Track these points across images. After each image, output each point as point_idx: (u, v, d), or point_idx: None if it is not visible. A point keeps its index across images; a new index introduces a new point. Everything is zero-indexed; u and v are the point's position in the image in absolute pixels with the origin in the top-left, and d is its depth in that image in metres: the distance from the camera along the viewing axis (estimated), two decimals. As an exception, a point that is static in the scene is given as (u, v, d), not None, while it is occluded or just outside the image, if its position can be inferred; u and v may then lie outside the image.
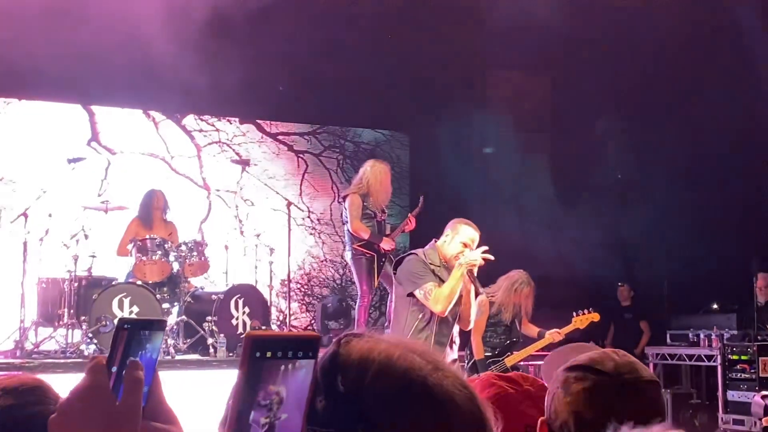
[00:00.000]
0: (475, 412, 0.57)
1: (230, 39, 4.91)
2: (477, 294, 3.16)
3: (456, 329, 3.19)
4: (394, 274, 3.27)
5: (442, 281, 3.12)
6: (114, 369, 0.55)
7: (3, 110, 5.19)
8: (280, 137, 5.90)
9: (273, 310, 4.91)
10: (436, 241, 3.20)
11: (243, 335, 0.68)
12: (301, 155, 5.87)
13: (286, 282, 5.03)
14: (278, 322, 5.26)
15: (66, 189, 5.03)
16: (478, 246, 3.07)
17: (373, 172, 4.35)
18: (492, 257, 3.02)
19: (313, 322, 5.67)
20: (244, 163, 5.49)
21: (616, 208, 6.06)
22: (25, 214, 4.37)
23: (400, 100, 5.79)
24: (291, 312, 5.23)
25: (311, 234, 5.66)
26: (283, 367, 0.48)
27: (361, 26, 5.39)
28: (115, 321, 3.77)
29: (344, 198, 4.47)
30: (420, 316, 3.09)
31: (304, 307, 5.62)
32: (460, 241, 3.14)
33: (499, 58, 5.79)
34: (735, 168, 5.88)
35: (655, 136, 6.00)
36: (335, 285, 5.88)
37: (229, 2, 4.72)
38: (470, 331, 3.67)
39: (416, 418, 0.55)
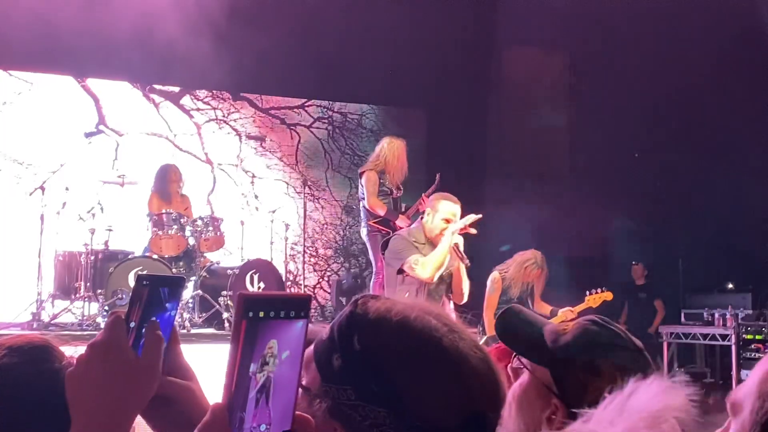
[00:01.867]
0: (488, 374, 0.58)
1: (230, 17, 4.86)
2: (467, 267, 3.19)
3: (451, 306, 3.22)
4: (382, 255, 3.43)
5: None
6: (132, 325, 0.55)
7: (21, 86, 5.35)
8: (272, 111, 6.14)
9: (284, 270, 5.09)
10: (422, 219, 3.26)
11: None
12: (293, 128, 6.13)
13: (295, 244, 5.35)
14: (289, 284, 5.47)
15: (83, 163, 5.18)
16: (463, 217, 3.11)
17: (390, 149, 4.38)
18: (479, 216, 3.05)
19: (320, 281, 6.11)
20: (260, 139, 5.70)
21: (631, 186, 6.04)
22: (42, 188, 4.47)
23: (417, 76, 5.79)
24: (299, 273, 5.64)
25: (310, 200, 5.97)
26: (276, 326, 0.48)
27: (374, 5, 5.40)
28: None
29: (361, 174, 4.48)
30: (406, 295, 3.12)
31: (310, 267, 5.99)
32: (442, 218, 3.19)
33: (517, 35, 5.76)
34: (754, 148, 5.80)
35: (673, 115, 6.00)
36: (337, 246, 6.32)
37: None
38: (469, 305, 3.64)
39: (431, 377, 0.55)
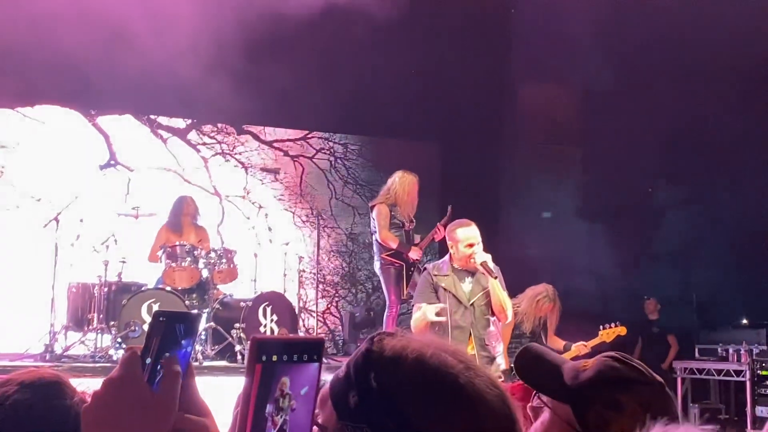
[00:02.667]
0: (505, 411, 0.57)
1: (234, 53, 4.94)
2: (495, 277, 3.25)
3: (492, 330, 3.32)
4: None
5: (445, 289, 3.29)
6: (148, 361, 0.56)
7: (34, 124, 5.59)
8: (275, 144, 6.43)
9: (297, 300, 5.12)
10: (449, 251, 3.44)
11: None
12: (296, 159, 6.39)
13: (303, 271, 5.41)
14: (304, 329, 5.47)
15: (96, 196, 5.31)
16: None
17: (401, 183, 4.45)
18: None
19: (329, 306, 6.37)
20: (275, 171, 5.88)
21: (646, 221, 6.10)
22: (56, 219, 4.48)
23: (430, 110, 5.98)
24: (309, 298, 5.84)
25: (314, 229, 6.09)
26: (290, 368, 0.49)
27: (388, 37, 5.47)
28: (144, 326, 4.03)
29: (372, 208, 4.54)
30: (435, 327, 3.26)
31: (320, 294, 6.12)
32: (465, 245, 3.29)
33: (530, 71, 5.90)
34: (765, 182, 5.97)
35: (688, 148, 6.06)
36: (344, 272, 6.57)
37: (232, 16, 4.79)
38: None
39: (447, 415, 0.55)
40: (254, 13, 4.75)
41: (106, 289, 4.42)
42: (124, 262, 4.56)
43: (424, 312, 3.30)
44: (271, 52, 5.24)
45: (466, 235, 3.31)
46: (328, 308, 6.50)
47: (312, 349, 0.52)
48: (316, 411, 0.57)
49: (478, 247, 3.28)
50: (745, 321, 5.84)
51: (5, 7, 4.79)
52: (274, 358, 0.49)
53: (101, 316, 4.38)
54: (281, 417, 0.50)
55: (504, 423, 0.57)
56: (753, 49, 5.28)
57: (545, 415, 0.96)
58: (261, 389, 0.49)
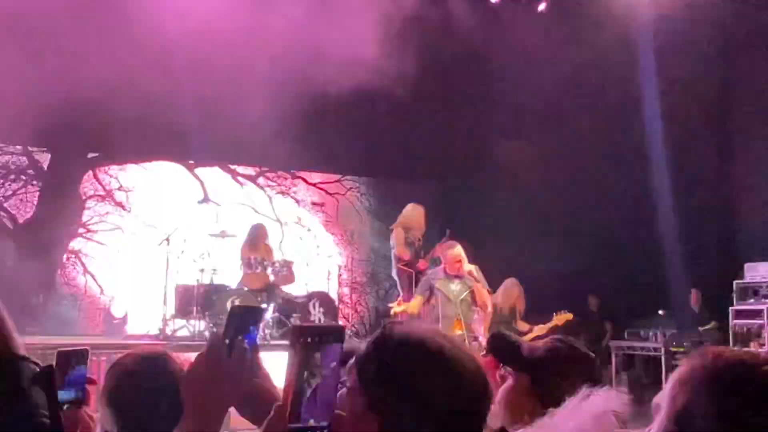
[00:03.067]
0: (480, 376, 0.62)
1: (289, 121, 5.22)
2: (478, 281, 3.82)
3: (476, 318, 3.77)
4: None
5: (438, 288, 3.71)
6: (227, 341, 0.59)
7: (153, 170, 6.20)
8: (318, 185, 7.12)
9: (337, 296, 5.82)
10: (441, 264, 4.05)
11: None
12: (333, 195, 7.05)
13: (340, 276, 6.17)
14: (342, 317, 6.05)
15: (195, 223, 5.80)
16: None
17: (413, 211, 4.95)
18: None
19: (359, 300, 6.80)
20: (320, 205, 6.64)
21: (589, 238, 6.38)
22: (167, 240, 4.98)
23: (430, 160, 6.40)
24: (345, 295, 6.46)
25: (348, 246, 6.90)
26: (321, 347, 0.53)
27: (397, 110, 5.85)
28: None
29: (391, 230, 5.01)
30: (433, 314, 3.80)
31: (352, 291, 6.86)
32: (453, 261, 3.71)
33: (505, 129, 6.22)
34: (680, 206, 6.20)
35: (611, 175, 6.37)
36: (368, 274, 7.03)
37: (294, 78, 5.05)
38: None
39: (438, 379, 0.60)
40: (301, 96, 5.17)
41: (202, 290, 4.93)
42: (214, 270, 5.08)
43: (414, 302, 3.79)
44: (314, 122, 5.67)
45: (454, 254, 3.74)
46: (359, 301, 7.01)
47: (336, 334, 0.55)
48: (345, 377, 0.62)
49: (465, 261, 3.70)
50: (661, 312, 6.25)
51: (129, 89, 5.05)
52: (309, 340, 0.52)
53: (199, 308, 4.86)
54: (315, 382, 0.53)
55: (479, 384, 0.62)
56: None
57: (509, 381, 1.03)
58: (301, 363, 0.52)
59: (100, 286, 5.80)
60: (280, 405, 0.53)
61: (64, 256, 5.75)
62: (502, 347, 1.06)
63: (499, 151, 6.25)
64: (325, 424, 0.53)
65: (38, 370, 0.66)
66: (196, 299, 4.75)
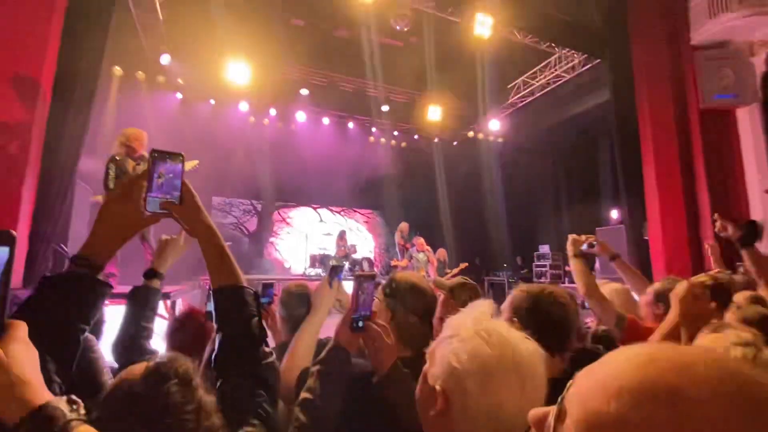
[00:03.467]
0: (432, 295, 1.16)
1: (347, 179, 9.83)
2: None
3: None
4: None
5: (415, 257, 5.86)
6: (330, 279, 1.11)
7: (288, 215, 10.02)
8: (360, 213, 10.62)
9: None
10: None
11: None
12: (367, 222, 10.41)
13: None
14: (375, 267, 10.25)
15: (316, 228, 10.47)
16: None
17: (403, 225, 7.46)
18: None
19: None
20: (366, 222, 10.96)
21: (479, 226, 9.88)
22: (306, 236, 10.05)
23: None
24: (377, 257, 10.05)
25: (377, 238, 10.61)
26: (366, 282, 0.94)
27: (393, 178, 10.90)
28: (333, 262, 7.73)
29: (396, 232, 8.25)
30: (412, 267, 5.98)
31: (379, 254, 10.34)
32: (421, 245, 5.83)
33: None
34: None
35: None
36: (383, 249, 10.33)
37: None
38: None
39: (417, 297, 1.14)
40: (355, 167, 9.81)
41: (319, 256, 8.67)
42: (325, 249, 9.27)
43: (403, 262, 5.89)
44: (358, 189, 10.14)
45: (420, 241, 6.29)
46: (380, 260, 10.54)
47: (372, 276, 0.94)
48: (376, 294, 1.05)
49: (425, 245, 5.92)
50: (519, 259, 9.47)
51: (292, 173, 9.50)
52: (362, 280, 0.93)
53: (320, 263, 8.66)
54: (364, 297, 0.93)
55: (431, 299, 1.13)
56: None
57: (442, 297, 1.53)
58: (358, 288, 0.93)
59: (283, 259, 9.86)
60: (348, 307, 0.92)
61: (265, 250, 9.70)
62: (439, 283, 1.61)
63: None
64: (369, 312, 0.93)
65: (252, 292, 0.80)
66: (319, 260, 8.78)
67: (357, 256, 8.52)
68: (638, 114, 5.23)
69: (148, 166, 0.74)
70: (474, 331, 0.70)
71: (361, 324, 0.96)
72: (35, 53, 3.07)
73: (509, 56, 7.13)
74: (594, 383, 0.37)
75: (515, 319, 1.08)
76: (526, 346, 0.69)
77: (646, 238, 5.14)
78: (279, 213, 10.14)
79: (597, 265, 6.54)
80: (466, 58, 7.11)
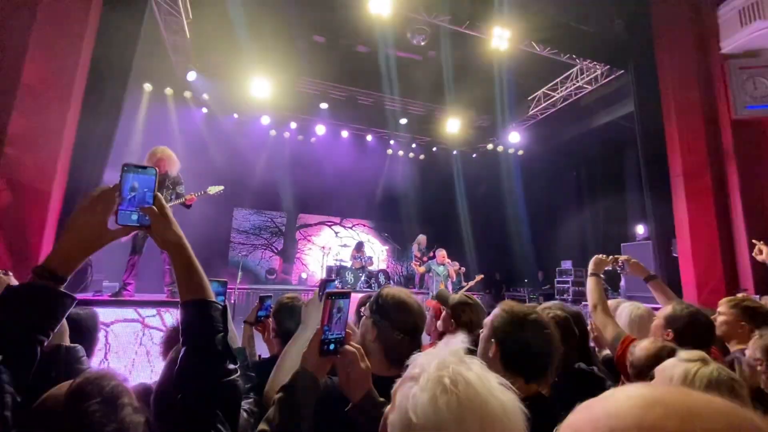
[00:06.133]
0: (420, 312, 1.11)
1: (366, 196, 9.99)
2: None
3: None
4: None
5: (434, 270, 5.91)
6: (320, 292, 1.00)
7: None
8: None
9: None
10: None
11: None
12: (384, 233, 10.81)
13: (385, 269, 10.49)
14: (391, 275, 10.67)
15: (334, 241, 10.55)
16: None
17: (421, 237, 7.99)
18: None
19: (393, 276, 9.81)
20: (395, 243, 10.68)
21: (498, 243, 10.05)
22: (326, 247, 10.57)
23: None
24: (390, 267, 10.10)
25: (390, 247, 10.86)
26: (341, 300, 0.87)
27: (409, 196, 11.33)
28: (349, 278, 8.46)
29: (413, 243, 9.43)
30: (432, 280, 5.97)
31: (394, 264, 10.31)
32: (441, 257, 5.91)
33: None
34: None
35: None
36: (397, 258, 10.37)
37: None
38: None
39: (401, 314, 1.09)
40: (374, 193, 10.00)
41: (336, 267, 8.46)
42: (342, 260, 8.85)
43: (422, 269, 6.02)
44: (375, 203, 10.33)
45: (442, 254, 5.87)
46: (395, 269, 10.61)
47: (348, 294, 0.86)
48: (362, 310, 1.18)
49: (445, 257, 5.80)
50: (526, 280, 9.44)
51: (316, 190, 9.86)
52: (335, 297, 0.84)
53: (335, 275, 8.24)
54: (338, 316, 0.86)
55: (419, 317, 1.08)
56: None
57: (443, 313, 1.59)
58: (331, 307, 0.85)
59: (304, 264, 9.97)
60: (319, 327, 0.79)
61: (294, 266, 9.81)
62: (441, 297, 1.63)
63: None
64: (342, 334, 0.85)
65: (220, 308, 0.76)
66: (336, 271, 8.44)
67: (373, 268, 8.52)
68: (665, 125, 5.00)
69: (120, 180, 0.74)
70: (437, 378, 0.62)
71: (332, 347, 0.88)
72: (68, 68, 3.23)
73: (529, 68, 6.98)
74: (587, 419, 0.34)
75: (493, 340, 1.03)
76: (499, 400, 0.60)
77: (675, 255, 4.84)
78: (299, 232, 10.42)
79: (623, 282, 6.21)
80: (485, 70, 7.04)
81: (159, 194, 0.77)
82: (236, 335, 1.34)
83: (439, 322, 1.68)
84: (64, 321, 0.70)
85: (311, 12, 6.20)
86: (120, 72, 3.59)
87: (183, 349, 0.74)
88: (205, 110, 8.25)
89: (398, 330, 1.10)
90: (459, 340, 0.68)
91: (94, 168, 3.44)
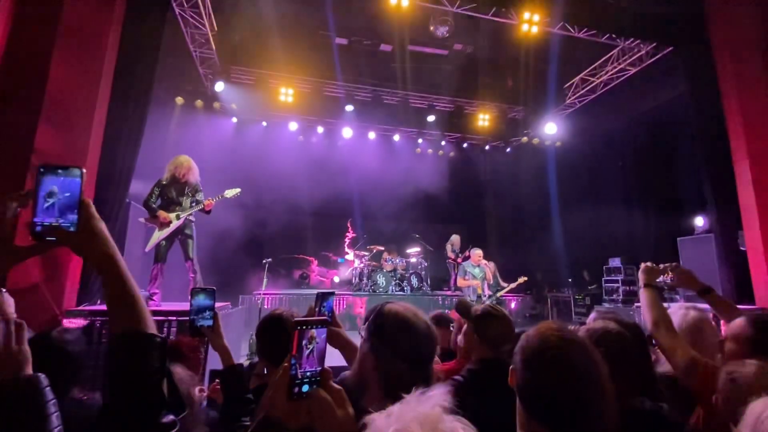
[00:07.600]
0: (429, 334, 0.93)
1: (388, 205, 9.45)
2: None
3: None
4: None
5: (469, 272, 5.50)
6: (317, 308, 0.86)
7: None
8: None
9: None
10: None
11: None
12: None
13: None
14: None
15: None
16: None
17: (455, 237, 8.01)
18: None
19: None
20: (427, 244, 10.41)
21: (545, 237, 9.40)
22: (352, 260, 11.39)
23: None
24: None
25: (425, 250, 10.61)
26: (312, 331, 0.70)
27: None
28: (381, 279, 8.21)
29: (447, 245, 9.11)
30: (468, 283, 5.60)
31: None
32: (477, 257, 5.48)
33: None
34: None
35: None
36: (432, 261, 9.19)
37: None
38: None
39: (403, 335, 0.94)
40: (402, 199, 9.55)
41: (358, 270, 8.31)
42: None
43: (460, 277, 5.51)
44: (403, 210, 9.67)
45: (477, 253, 5.53)
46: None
47: (323, 323, 0.70)
48: (361, 329, 0.93)
49: (481, 257, 5.44)
50: (570, 279, 8.79)
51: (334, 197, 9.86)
52: (305, 327, 0.68)
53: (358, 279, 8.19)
54: (311, 347, 0.70)
55: (429, 340, 0.92)
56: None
57: (465, 327, 1.48)
58: (300, 339, 0.68)
59: (336, 270, 9.31)
60: (284, 365, 0.64)
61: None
62: (462, 308, 1.50)
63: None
64: (316, 371, 0.69)
65: (158, 343, 0.65)
66: (367, 275, 8.10)
67: (405, 271, 8.25)
68: (724, 105, 4.44)
69: (35, 185, 0.60)
70: None
71: (304, 389, 0.69)
72: (91, 82, 3.29)
73: (564, 53, 6.57)
74: None
75: (513, 367, 0.85)
76: None
77: (742, 248, 4.28)
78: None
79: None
80: (515, 59, 6.64)
81: (87, 199, 0.62)
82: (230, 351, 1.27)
83: (459, 337, 1.54)
84: (26, 348, 0.63)
85: (333, 14, 6.20)
86: (143, 84, 3.64)
87: (108, 395, 0.62)
88: (234, 119, 8.39)
89: (401, 359, 0.92)
90: (439, 399, 0.58)
91: (120, 180, 3.49)
